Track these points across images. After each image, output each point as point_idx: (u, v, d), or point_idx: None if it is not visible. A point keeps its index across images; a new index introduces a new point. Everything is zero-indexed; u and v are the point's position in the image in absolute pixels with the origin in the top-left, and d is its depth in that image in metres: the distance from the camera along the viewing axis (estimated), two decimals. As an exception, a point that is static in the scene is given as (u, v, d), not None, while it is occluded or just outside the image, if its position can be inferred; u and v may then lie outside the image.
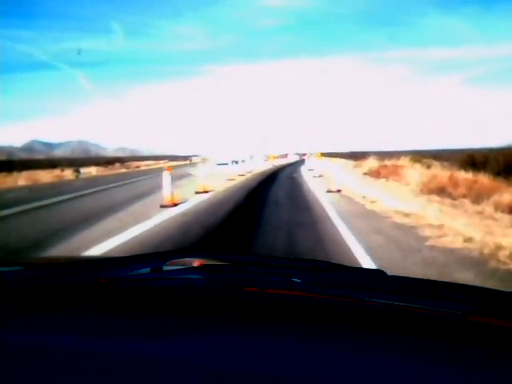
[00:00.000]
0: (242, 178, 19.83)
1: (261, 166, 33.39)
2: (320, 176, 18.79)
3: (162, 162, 58.95)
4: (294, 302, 0.83)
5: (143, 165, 48.03)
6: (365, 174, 20.60)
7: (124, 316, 0.76)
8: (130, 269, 1.01)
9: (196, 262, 1.19)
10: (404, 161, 22.30)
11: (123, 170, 35.62)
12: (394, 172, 17.19)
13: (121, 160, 53.22)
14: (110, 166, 38.96)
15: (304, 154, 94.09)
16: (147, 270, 1.04)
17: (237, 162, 38.52)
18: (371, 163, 24.81)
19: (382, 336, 0.68)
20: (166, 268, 1.06)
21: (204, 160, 35.02)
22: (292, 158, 65.83)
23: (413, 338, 0.67)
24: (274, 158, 48.74)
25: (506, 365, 0.60)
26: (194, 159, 38.21)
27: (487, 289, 0.93)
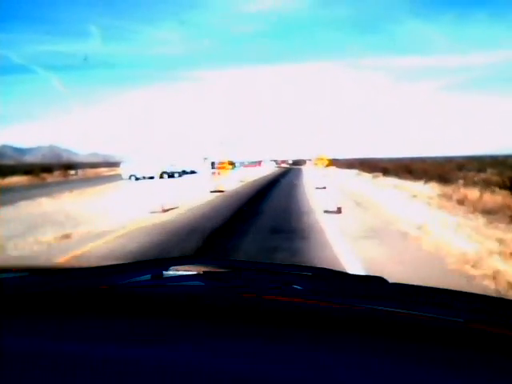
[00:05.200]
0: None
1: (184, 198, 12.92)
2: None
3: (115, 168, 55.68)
4: (294, 309, 0.83)
5: (88, 172, 44.50)
6: None
7: (125, 322, 0.77)
8: (131, 275, 1.02)
9: (196, 269, 1.16)
10: None
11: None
12: None
13: (72, 167, 49.51)
14: (43, 175, 35.48)
15: (283, 161, 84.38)
16: (148, 276, 1.03)
17: (172, 175, 27.18)
18: None
19: (383, 343, 0.68)
20: (166, 275, 1.06)
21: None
22: (267, 168, 51.24)
23: (414, 345, 0.68)
24: (229, 168, 21.32)
25: (506, 372, 0.61)
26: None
27: (488, 296, 0.94)
